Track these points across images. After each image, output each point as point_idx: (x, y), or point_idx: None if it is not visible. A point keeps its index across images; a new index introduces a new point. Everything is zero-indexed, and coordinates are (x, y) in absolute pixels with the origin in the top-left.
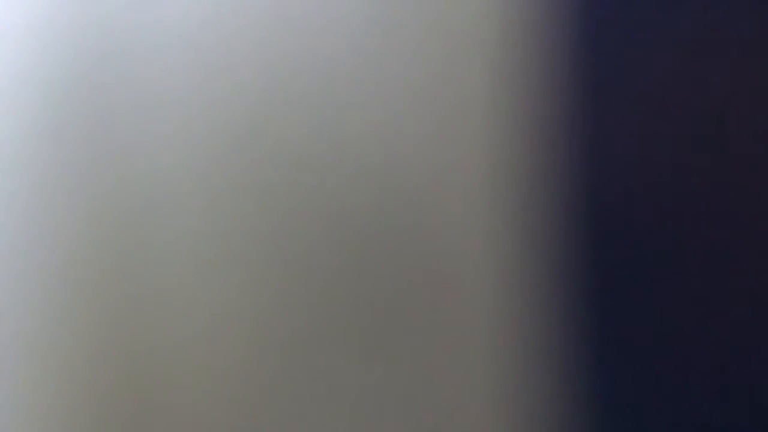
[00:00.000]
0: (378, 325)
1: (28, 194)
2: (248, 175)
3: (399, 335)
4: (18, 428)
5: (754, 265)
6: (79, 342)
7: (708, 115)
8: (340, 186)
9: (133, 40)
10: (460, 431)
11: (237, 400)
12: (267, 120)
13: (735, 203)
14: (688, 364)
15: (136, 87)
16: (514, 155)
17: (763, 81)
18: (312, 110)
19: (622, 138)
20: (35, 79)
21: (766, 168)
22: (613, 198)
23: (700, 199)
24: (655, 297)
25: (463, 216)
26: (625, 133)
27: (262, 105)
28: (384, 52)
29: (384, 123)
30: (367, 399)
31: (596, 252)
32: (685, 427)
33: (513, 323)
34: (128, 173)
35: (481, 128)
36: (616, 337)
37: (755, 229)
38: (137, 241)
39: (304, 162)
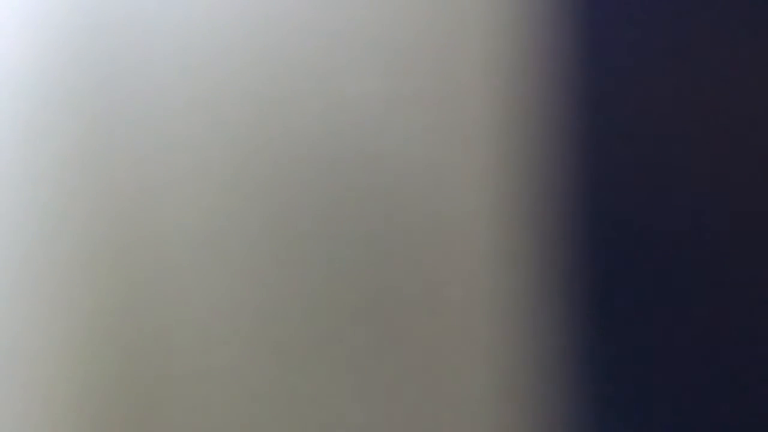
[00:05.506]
0: (377, 325)
1: (29, 193)
2: (248, 174)
3: (398, 334)
4: (19, 426)
5: (755, 264)
6: (79, 341)
7: (708, 115)
8: (341, 185)
9: (134, 38)
10: (459, 431)
11: (236, 399)
12: (266, 118)
13: (735, 203)
14: (688, 365)
15: (137, 85)
16: (514, 154)
17: (763, 81)
18: (313, 109)
19: (622, 137)
20: (36, 78)
21: (766, 168)
22: (614, 197)
23: (701, 199)
24: (655, 297)
25: (463, 215)
26: (625, 132)
27: (261, 103)
28: (384, 51)
29: (384, 123)
30: (366, 399)
31: (596, 251)
32: (685, 428)
33: (513, 323)
34: (129, 171)
35: (482, 127)
36: (616, 337)
37: (755, 229)
38: (138, 239)
39: (304, 160)
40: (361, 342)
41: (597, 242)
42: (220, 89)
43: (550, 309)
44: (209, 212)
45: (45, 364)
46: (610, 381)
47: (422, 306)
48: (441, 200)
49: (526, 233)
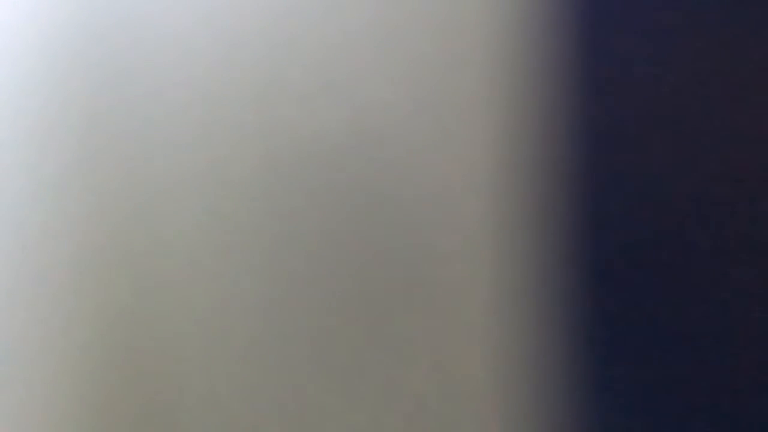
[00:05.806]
0: (378, 325)
1: (32, 193)
2: (251, 175)
3: (399, 334)
4: (21, 425)
5: (755, 264)
6: (80, 341)
7: (708, 114)
8: (342, 187)
9: (134, 38)
10: (459, 430)
11: (237, 399)
12: (269, 120)
13: (735, 203)
14: (688, 364)
15: (139, 84)
16: (515, 154)
17: (763, 81)
18: (314, 110)
19: (622, 138)
20: (36, 78)
21: (765, 168)
22: (614, 197)
23: (701, 200)
24: (654, 297)
25: (463, 215)
26: (625, 133)
27: (265, 105)
28: (386, 52)
29: (385, 123)
30: (366, 398)
31: (596, 251)
32: (685, 427)
33: (514, 323)
34: (130, 172)
35: (482, 127)
36: (615, 336)
37: (756, 229)
38: (140, 239)
39: (305, 161)
40: (362, 342)
41: (596, 242)
42: (224, 92)
43: (550, 308)
44: (210, 213)
45: (45, 364)
46: (610, 380)
47: (422, 306)
48: (442, 200)
49: (526, 233)
